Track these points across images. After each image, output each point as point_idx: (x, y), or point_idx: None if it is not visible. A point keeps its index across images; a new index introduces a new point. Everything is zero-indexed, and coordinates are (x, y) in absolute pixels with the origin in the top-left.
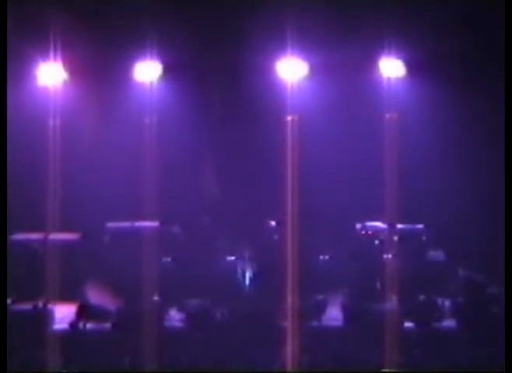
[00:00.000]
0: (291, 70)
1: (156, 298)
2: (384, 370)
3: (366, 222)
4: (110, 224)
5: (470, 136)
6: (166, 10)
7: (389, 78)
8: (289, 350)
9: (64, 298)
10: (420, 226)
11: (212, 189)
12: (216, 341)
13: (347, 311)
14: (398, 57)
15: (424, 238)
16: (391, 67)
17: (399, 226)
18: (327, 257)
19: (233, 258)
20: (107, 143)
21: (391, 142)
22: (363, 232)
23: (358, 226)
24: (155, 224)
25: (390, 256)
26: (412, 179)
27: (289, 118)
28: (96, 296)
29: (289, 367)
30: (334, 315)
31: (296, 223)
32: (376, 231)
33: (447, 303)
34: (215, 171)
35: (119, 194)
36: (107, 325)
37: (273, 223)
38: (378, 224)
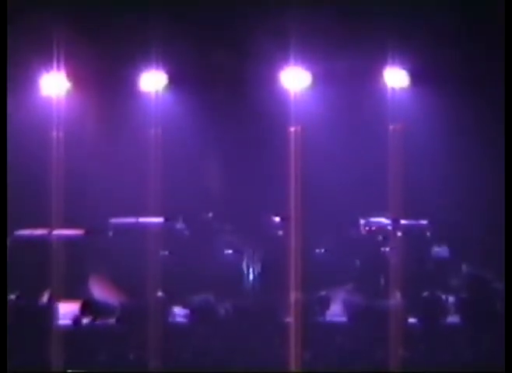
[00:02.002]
0: (294, 80)
1: (160, 293)
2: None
3: (369, 218)
4: (114, 220)
5: (473, 143)
6: (171, 20)
7: (393, 88)
8: (292, 346)
9: (69, 293)
10: (424, 222)
11: (215, 189)
12: (220, 337)
13: (350, 307)
14: (403, 67)
15: (428, 234)
16: (395, 78)
17: (403, 222)
18: (330, 253)
19: (236, 254)
20: (112, 152)
21: (395, 152)
22: (367, 228)
23: (362, 222)
24: (159, 220)
25: (393, 250)
26: (417, 180)
27: (292, 129)
28: (100, 292)
29: (292, 363)
30: (337, 311)
31: (300, 219)
32: (380, 227)
33: (451, 299)
34: (219, 174)
35: (123, 190)
36: (111, 321)
37: (277, 219)
38: (382, 220)
